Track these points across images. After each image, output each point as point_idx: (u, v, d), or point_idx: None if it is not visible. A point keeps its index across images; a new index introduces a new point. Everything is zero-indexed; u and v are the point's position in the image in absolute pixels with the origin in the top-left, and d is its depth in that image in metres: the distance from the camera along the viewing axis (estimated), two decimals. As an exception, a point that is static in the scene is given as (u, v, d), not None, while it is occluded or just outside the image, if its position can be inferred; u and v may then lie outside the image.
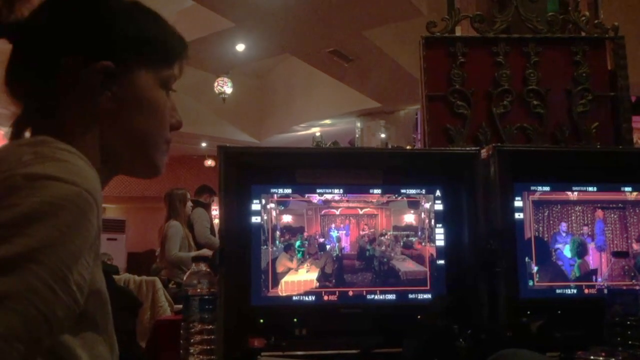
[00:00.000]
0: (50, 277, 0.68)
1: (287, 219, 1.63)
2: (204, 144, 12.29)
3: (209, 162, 12.54)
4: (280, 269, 1.61)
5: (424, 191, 1.68)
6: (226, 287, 1.54)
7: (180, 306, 3.66)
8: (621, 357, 1.39)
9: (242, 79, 10.39)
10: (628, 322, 1.49)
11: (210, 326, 1.53)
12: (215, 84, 9.39)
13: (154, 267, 6.49)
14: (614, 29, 2.24)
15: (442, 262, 1.65)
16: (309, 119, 10.91)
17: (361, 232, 1.65)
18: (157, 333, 3.48)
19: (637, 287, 1.52)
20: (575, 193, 1.72)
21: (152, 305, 4.72)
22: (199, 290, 1.56)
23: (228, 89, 9.42)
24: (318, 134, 10.96)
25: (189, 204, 5.61)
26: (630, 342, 1.47)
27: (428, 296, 1.63)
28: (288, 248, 1.62)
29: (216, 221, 8.19)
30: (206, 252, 5.28)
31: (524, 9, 2.22)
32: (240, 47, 8.73)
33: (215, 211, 8.95)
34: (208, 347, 1.51)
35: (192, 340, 1.52)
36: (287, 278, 1.61)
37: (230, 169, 1.58)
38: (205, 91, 9.43)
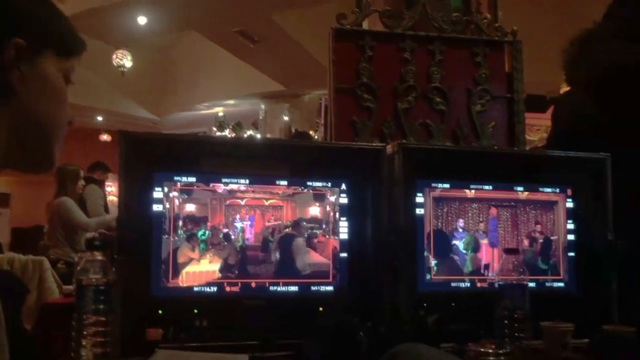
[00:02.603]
0: None
1: (190, 208, 1.59)
2: (99, 118, 11.79)
3: (105, 137, 12.03)
4: (181, 259, 1.57)
5: (329, 184, 1.69)
6: (124, 277, 1.48)
7: (70, 287, 3.50)
8: (509, 349, 1.47)
9: (143, 53, 10.02)
10: (516, 316, 1.58)
11: (106, 318, 1.47)
12: (114, 56, 8.99)
13: (42, 244, 6.19)
14: (512, 33, 2.35)
15: (345, 255, 1.68)
16: (212, 98, 10.73)
17: (266, 224, 1.64)
18: (45, 317, 3.32)
19: (526, 282, 1.61)
20: (473, 191, 1.79)
21: (39, 286, 4.50)
22: (94, 280, 1.49)
23: (127, 63, 9.05)
24: (221, 114, 10.81)
25: (81, 181, 5.38)
26: (517, 335, 1.56)
27: (330, 288, 1.65)
28: (190, 238, 1.58)
29: (110, 198, 7.90)
30: (111, 217, 5.15)
31: (430, 7, 2.28)
32: (142, 20, 8.41)
33: (109, 188, 8.63)
34: (103, 340, 1.45)
35: (85, 333, 1.45)
36: (189, 268, 1.58)
37: (132, 155, 1.51)
38: (102, 63, 9.01)
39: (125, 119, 11.35)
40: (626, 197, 1.80)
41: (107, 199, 6.79)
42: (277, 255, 1.63)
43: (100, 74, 9.70)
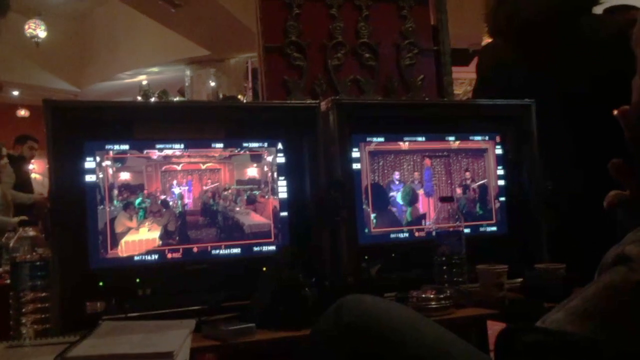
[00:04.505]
0: None
1: (125, 176, 1.55)
2: (15, 93, 11.22)
3: (22, 112, 11.48)
4: (119, 229, 1.54)
5: (266, 144, 1.68)
6: (60, 251, 1.45)
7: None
8: (448, 293, 1.53)
9: (58, 22, 9.56)
10: (453, 261, 1.64)
11: (44, 294, 1.43)
12: (27, 26, 8.53)
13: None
14: (437, -15, 2.37)
15: (285, 214, 1.68)
16: (134, 66, 10.37)
17: (204, 188, 1.62)
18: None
19: (461, 229, 1.67)
20: (407, 143, 1.82)
21: (-39, 270, 4.31)
22: (28, 256, 1.45)
23: (42, 33, 8.62)
24: (145, 82, 10.50)
25: (4, 159, 5.13)
26: (455, 279, 1.63)
27: (273, 248, 1.66)
28: (127, 207, 1.55)
29: (34, 175, 7.57)
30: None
31: (355, -38, 2.26)
32: (54, -13, 8.00)
33: (31, 165, 8.27)
34: (42, 316, 1.42)
35: (23, 310, 1.41)
36: (128, 238, 1.55)
37: (59, 126, 1.45)
38: (14, 34, 8.53)
39: (44, 92, 10.81)
40: (549, 141, 1.88)
41: (31, 176, 6.54)
42: (218, 218, 1.63)
43: (12, 45, 9.18)
